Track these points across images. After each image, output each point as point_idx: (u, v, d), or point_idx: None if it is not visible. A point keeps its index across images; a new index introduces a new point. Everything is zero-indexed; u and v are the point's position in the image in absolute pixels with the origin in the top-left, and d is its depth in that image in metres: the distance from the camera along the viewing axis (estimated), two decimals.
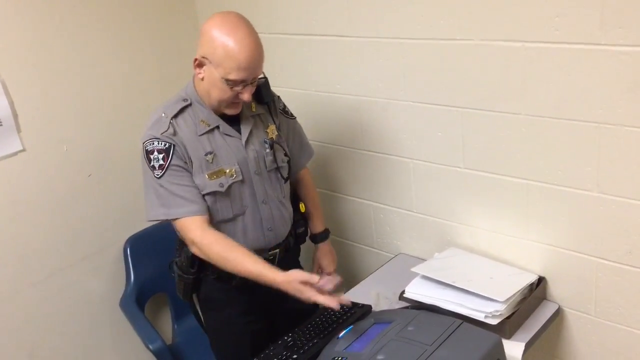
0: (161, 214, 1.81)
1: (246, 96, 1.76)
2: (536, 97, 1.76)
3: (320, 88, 2.33)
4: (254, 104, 1.91)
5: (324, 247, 2.17)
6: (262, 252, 1.91)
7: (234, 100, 1.78)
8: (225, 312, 2.01)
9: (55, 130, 2.25)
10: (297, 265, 2.15)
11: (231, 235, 1.87)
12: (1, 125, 2.08)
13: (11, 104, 2.10)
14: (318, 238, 2.17)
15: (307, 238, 2.16)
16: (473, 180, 2.01)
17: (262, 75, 1.86)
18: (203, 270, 1.93)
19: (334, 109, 2.32)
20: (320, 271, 2.17)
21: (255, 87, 1.81)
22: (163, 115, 1.81)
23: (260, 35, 1.74)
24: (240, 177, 1.85)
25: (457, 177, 2.05)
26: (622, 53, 1.56)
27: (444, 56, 1.92)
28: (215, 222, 1.85)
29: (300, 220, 2.10)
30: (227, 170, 1.83)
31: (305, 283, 1.68)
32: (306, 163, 2.14)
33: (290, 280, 1.69)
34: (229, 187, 1.83)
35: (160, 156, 1.78)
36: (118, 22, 2.39)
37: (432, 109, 2.02)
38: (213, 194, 1.82)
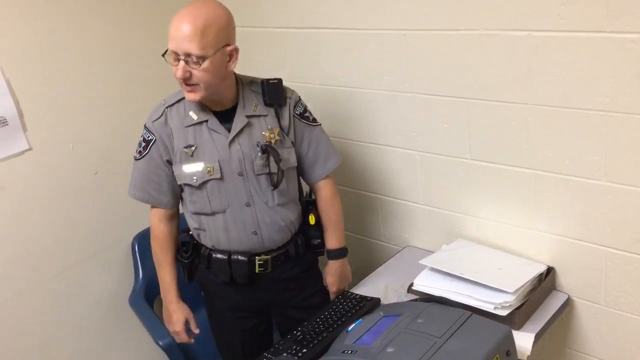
0: (131, 192, 1.93)
1: (179, 73, 1.67)
2: (542, 86, 1.75)
3: (324, 81, 2.32)
4: (256, 104, 1.86)
5: (333, 265, 2.06)
6: (249, 255, 1.89)
7: (177, 77, 1.71)
8: (215, 303, 2.03)
9: (61, 128, 2.25)
10: (314, 274, 2.09)
11: (213, 229, 1.88)
12: (7, 124, 2.08)
13: (17, 103, 2.10)
14: (329, 255, 2.07)
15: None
16: (480, 171, 2.00)
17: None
18: (197, 257, 1.96)
19: (338, 101, 2.31)
20: (326, 287, 2.10)
21: (192, 70, 1.66)
22: (163, 102, 1.86)
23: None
24: (218, 175, 1.82)
25: (464, 169, 2.04)
26: (629, 40, 1.55)
27: (448, 47, 1.91)
28: (196, 212, 1.88)
29: (316, 231, 2.02)
30: (205, 166, 1.82)
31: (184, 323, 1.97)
32: (322, 175, 2.00)
33: (176, 311, 1.97)
34: (204, 183, 1.83)
35: (143, 144, 1.86)
36: (124, 20, 2.38)
37: (437, 100, 2.01)
38: (189, 185, 1.85)
